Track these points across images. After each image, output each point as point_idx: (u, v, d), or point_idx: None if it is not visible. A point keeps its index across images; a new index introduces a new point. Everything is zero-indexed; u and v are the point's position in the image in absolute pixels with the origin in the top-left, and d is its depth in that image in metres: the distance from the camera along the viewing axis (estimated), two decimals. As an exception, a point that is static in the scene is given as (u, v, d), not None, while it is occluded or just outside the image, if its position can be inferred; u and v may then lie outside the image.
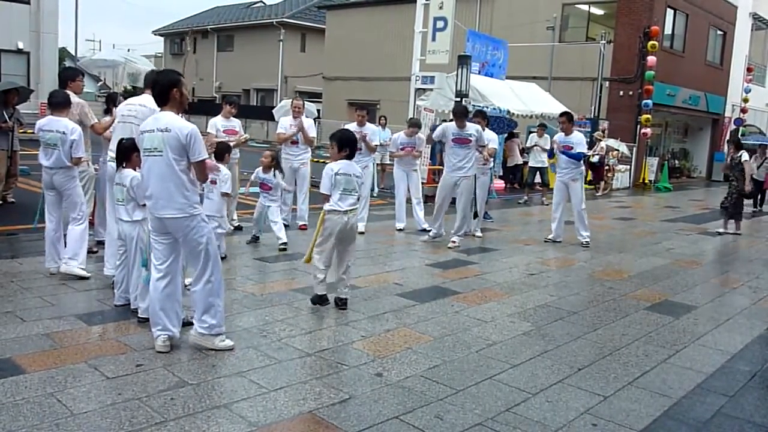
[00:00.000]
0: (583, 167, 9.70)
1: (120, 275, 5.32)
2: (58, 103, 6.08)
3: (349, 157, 5.67)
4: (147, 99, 5.77)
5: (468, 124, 8.73)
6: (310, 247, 5.70)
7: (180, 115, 4.47)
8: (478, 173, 9.27)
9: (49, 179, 6.07)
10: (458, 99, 12.74)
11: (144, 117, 5.70)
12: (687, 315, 6.17)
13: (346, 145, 5.65)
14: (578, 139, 9.41)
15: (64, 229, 6.19)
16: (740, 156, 11.78)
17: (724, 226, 11.82)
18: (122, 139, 5.33)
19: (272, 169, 8.11)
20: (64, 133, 5.92)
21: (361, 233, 9.32)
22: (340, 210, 5.49)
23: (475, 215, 9.47)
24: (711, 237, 11.38)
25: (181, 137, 4.26)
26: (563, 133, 9.52)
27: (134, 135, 5.73)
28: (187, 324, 4.78)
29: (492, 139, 9.61)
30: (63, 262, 6.05)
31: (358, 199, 5.68)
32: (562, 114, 9.80)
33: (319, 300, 5.60)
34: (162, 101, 4.44)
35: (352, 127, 9.47)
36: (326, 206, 5.57)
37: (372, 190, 10.95)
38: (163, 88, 4.43)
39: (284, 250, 7.84)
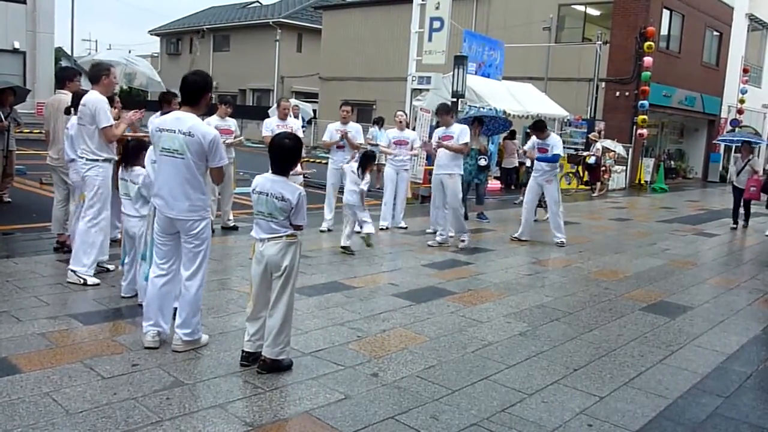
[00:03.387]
0: (558, 168, 9.74)
1: (129, 269, 5.46)
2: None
3: (280, 170, 4.13)
4: (89, 96, 5.85)
5: (454, 123, 8.79)
6: None
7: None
8: (445, 178, 8.67)
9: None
10: (454, 99, 12.76)
11: (86, 117, 5.83)
12: (683, 316, 6.18)
13: (272, 154, 4.18)
14: (554, 141, 9.42)
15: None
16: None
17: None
18: (128, 139, 5.52)
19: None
20: (68, 128, 6.31)
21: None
22: (255, 239, 4.19)
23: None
24: (707, 238, 11.41)
25: (204, 143, 4.25)
26: (539, 140, 9.53)
27: (84, 137, 5.87)
28: None
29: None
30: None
31: (295, 226, 4.14)
32: (533, 126, 9.77)
33: (244, 358, 4.26)
34: (191, 102, 4.39)
35: (335, 125, 9.50)
36: None
37: None
38: (198, 89, 4.38)
39: (348, 252, 8.02)
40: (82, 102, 5.89)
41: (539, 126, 9.68)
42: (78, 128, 6.00)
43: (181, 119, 4.30)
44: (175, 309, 4.53)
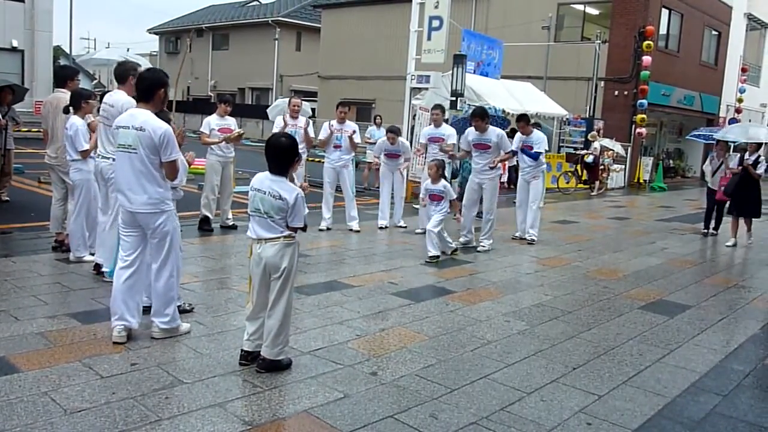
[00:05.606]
0: (545, 166, 9.81)
1: None
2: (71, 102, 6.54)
3: (278, 170, 4.12)
4: (116, 96, 5.78)
5: (489, 128, 8.70)
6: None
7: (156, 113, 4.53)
8: (484, 181, 8.90)
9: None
10: (453, 98, 12.76)
11: (112, 117, 5.74)
12: (681, 314, 6.19)
13: (269, 154, 4.14)
14: (538, 139, 9.47)
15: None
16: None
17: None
18: None
19: (440, 178, 8.10)
20: (67, 128, 6.34)
21: (357, 231, 9.36)
22: (251, 238, 4.18)
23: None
24: (705, 237, 11.40)
25: (155, 137, 4.34)
26: (524, 135, 9.56)
27: (110, 137, 5.80)
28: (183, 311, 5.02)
29: (450, 134, 9.75)
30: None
31: (292, 228, 4.12)
32: (519, 119, 9.87)
33: (243, 357, 4.26)
34: (145, 98, 4.51)
35: (332, 123, 9.51)
36: None
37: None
38: (151, 85, 4.51)
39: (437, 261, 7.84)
40: (109, 102, 5.79)
41: (525, 118, 9.72)
42: (103, 128, 5.90)
43: (135, 115, 4.43)
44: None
